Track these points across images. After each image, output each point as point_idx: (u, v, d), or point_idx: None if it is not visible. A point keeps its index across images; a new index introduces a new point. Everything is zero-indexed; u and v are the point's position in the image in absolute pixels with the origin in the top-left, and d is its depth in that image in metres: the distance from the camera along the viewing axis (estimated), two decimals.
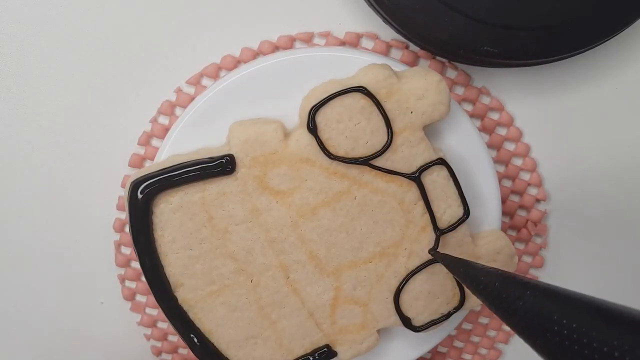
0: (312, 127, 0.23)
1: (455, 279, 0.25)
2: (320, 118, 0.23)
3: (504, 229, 0.30)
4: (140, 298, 0.30)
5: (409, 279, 0.25)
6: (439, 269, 0.25)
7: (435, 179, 0.24)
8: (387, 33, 0.27)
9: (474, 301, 0.26)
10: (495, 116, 0.29)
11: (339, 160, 0.23)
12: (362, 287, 0.25)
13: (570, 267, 0.31)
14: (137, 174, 0.24)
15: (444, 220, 0.25)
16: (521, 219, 0.30)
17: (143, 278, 0.29)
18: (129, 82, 0.27)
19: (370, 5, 0.25)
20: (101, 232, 0.29)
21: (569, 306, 0.15)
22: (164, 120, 0.28)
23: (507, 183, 0.29)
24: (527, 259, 0.30)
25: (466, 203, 0.24)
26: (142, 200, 0.23)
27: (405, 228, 0.25)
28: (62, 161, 0.28)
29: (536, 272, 0.31)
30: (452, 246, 0.25)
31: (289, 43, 0.27)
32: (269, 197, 0.24)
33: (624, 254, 0.31)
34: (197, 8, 0.27)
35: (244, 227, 0.24)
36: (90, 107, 0.27)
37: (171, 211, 0.24)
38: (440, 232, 0.25)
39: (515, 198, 0.29)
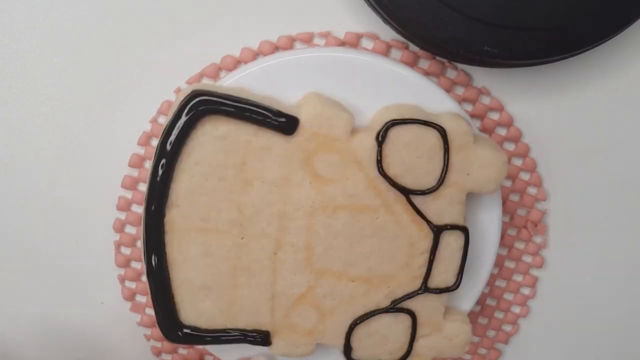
0: (381, 138, 0.23)
1: (410, 337, 0.26)
2: (391, 134, 0.23)
3: (504, 229, 0.30)
4: (140, 298, 0.30)
5: (375, 315, 0.25)
6: (403, 319, 0.25)
7: (450, 243, 0.24)
8: (387, 33, 0.27)
9: None
10: (495, 116, 0.29)
11: (385, 178, 0.24)
12: (331, 299, 0.25)
13: (571, 267, 0.31)
14: (202, 86, 0.23)
15: (435, 281, 0.25)
16: (521, 218, 0.30)
17: (143, 278, 0.29)
18: (128, 82, 0.27)
19: (370, 5, 0.25)
20: (101, 232, 0.29)
21: None
22: (163, 120, 0.28)
23: (507, 183, 0.29)
24: (527, 259, 0.30)
25: (461, 278, 0.25)
26: (194, 112, 0.22)
27: (401, 269, 0.25)
28: (61, 161, 0.28)
29: (536, 272, 0.31)
30: (426, 307, 0.25)
31: (289, 43, 0.27)
32: (306, 174, 0.23)
33: (624, 254, 0.31)
34: (197, 8, 0.27)
35: (268, 188, 0.24)
36: (90, 107, 0.27)
37: (213, 137, 0.23)
38: (425, 289, 0.25)
39: (515, 198, 0.29)
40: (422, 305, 0.25)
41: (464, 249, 0.25)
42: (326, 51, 0.25)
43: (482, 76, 0.28)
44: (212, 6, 0.27)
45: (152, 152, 0.28)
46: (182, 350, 0.30)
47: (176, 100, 0.23)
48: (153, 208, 0.23)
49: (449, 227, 0.24)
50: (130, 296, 0.29)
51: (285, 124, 0.23)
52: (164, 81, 0.27)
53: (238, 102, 0.23)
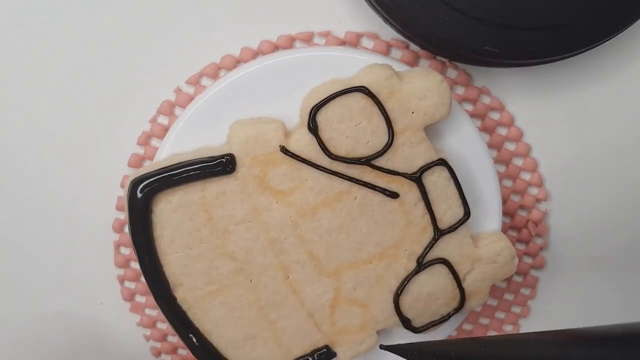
0: (312, 127, 0.23)
1: (456, 281, 0.25)
2: (321, 118, 0.23)
3: (505, 229, 0.30)
4: (140, 299, 0.30)
5: (409, 280, 0.25)
6: (439, 270, 0.25)
7: (436, 180, 0.24)
8: (388, 33, 0.27)
9: (474, 302, 0.26)
10: (495, 116, 0.28)
11: (340, 160, 0.23)
12: (362, 288, 0.25)
13: (571, 268, 0.31)
14: (136, 173, 0.24)
15: (445, 221, 0.25)
16: (522, 219, 0.30)
17: (142, 278, 0.29)
18: (128, 82, 0.27)
19: (371, 5, 0.25)
20: (101, 232, 0.29)
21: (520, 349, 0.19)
22: (163, 120, 0.28)
23: (508, 183, 0.29)
24: (528, 259, 0.30)
25: (467, 204, 0.24)
26: (141, 199, 0.23)
27: (406, 229, 0.24)
28: (61, 161, 0.28)
29: (537, 272, 0.31)
30: (453, 248, 0.25)
31: (289, 43, 0.27)
32: (269, 197, 0.24)
33: (625, 254, 0.31)
34: (197, 8, 0.27)
35: (244, 226, 0.24)
36: (90, 107, 0.27)
37: (171, 210, 0.24)
38: (440, 233, 0.24)
39: (516, 198, 0.29)
40: (447, 248, 0.25)
41: (453, 178, 0.24)
42: (326, 51, 0.25)
43: (482, 76, 0.28)
44: (212, 6, 0.27)
45: (151, 152, 0.28)
46: (182, 350, 0.30)
47: (124, 197, 0.24)
48: (162, 298, 0.24)
49: (424, 168, 0.24)
50: (129, 297, 0.29)
51: (223, 164, 0.23)
52: (164, 81, 0.27)
53: (172, 170, 0.23)
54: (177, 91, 0.27)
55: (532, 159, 0.29)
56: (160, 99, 0.27)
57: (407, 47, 0.27)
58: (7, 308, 0.30)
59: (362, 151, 0.23)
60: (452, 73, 0.28)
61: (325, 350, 0.25)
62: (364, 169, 0.24)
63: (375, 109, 0.23)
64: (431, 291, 0.25)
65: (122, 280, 0.29)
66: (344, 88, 0.23)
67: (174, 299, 0.24)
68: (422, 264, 0.25)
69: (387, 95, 0.23)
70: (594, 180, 0.30)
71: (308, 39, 0.27)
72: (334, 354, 0.26)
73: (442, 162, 0.24)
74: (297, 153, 0.23)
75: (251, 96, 0.24)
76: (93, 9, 0.26)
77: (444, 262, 0.25)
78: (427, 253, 0.25)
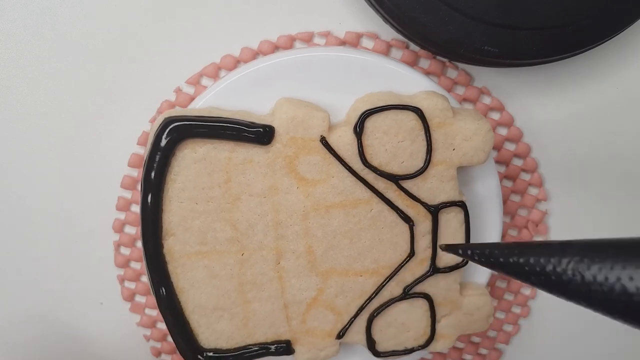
0: (359, 130, 0.23)
1: (431, 320, 0.25)
2: (369, 124, 0.23)
3: (505, 229, 0.30)
4: (140, 299, 0.30)
5: (390, 304, 0.25)
6: (420, 304, 0.25)
7: (450, 220, 0.24)
8: (388, 33, 0.27)
9: (439, 345, 0.26)
10: (495, 116, 0.29)
11: (371, 169, 0.23)
12: (343, 297, 0.25)
13: None
14: (173, 112, 0.23)
15: (443, 261, 0.25)
16: (522, 219, 0.30)
17: (142, 279, 0.29)
18: (128, 82, 0.27)
19: (371, 5, 0.25)
20: (101, 232, 0.29)
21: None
22: None
23: (508, 183, 0.29)
24: None
25: None
26: (169, 139, 0.22)
27: (406, 255, 0.25)
28: (61, 161, 0.28)
29: None
30: (441, 288, 0.25)
31: (288, 43, 0.27)
32: (292, 180, 0.24)
33: None
34: (197, 8, 0.27)
35: (257, 200, 0.24)
36: (90, 107, 0.27)
37: (193, 160, 0.23)
38: (435, 270, 0.25)
39: (516, 198, 0.29)
40: (435, 286, 0.25)
41: (465, 223, 0.24)
42: (326, 51, 0.25)
43: (482, 76, 0.28)
44: (212, 6, 0.27)
45: None
46: None
47: (151, 131, 0.23)
48: (150, 241, 0.24)
49: (445, 204, 0.24)
50: (129, 296, 0.29)
51: (260, 134, 0.23)
52: (164, 81, 0.27)
53: (210, 122, 0.23)
54: (177, 91, 0.27)
55: (532, 159, 0.29)
56: (160, 99, 0.27)
57: (407, 47, 0.27)
58: (7, 307, 0.29)
59: (395, 168, 0.24)
60: (452, 73, 0.28)
61: (285, 345, 0.25)
62: (389, 185, 0.24)
63: (421, 133, 0.23)
64: (405, 321, 0.25)
65: (122, 280, 0.29)
66: (401, 103, 0.23)
67: (160, 246, 0.24)
68: (407, 293, 0.25)
69: (437, 124, 0.23)
70: (593, 180, 0.30)
71: (308, 39, 0.27)
72: (292, 351, 0.25)
73: (462, 205, 0.24)
74: (335, 149, 0.23)
75: (250, 96, 0.24)
76: (93, 9, 0.26)
77: (428, 298, 0.25)
78: (415, 284, 0.25)
